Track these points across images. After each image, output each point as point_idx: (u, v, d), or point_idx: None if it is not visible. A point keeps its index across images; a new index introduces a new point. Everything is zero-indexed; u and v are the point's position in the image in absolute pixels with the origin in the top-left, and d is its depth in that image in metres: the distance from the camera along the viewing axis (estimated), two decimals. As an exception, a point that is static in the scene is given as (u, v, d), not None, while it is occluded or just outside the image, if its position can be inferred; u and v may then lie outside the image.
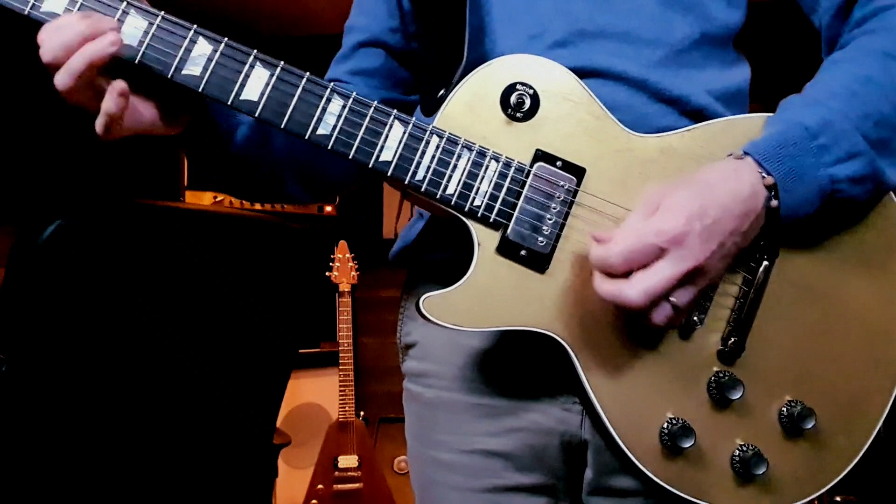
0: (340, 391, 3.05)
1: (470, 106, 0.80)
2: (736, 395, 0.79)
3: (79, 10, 0.75)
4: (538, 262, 0.79)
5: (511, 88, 0.80)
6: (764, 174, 0.76)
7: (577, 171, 0.80)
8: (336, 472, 2.99)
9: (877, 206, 0.85)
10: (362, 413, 3.16)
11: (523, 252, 0.79)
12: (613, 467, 0.87)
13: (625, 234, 0.73)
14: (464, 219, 0.80)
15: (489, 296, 0.79)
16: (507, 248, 0.79)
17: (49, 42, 0.72)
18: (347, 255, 3.18)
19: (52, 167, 3.21)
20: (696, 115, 0.87)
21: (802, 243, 0.83)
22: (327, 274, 3.13)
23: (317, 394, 3.29)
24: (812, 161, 0.76)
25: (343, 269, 3.15)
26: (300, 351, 2.94)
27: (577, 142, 0.81)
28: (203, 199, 3.08)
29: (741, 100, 0.94)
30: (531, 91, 0.80)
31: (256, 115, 0.77)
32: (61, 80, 0.73)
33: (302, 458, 3.13)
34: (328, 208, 3.44)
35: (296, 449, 3.02)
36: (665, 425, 0.79)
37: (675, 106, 0.87)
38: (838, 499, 2.62)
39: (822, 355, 0.83)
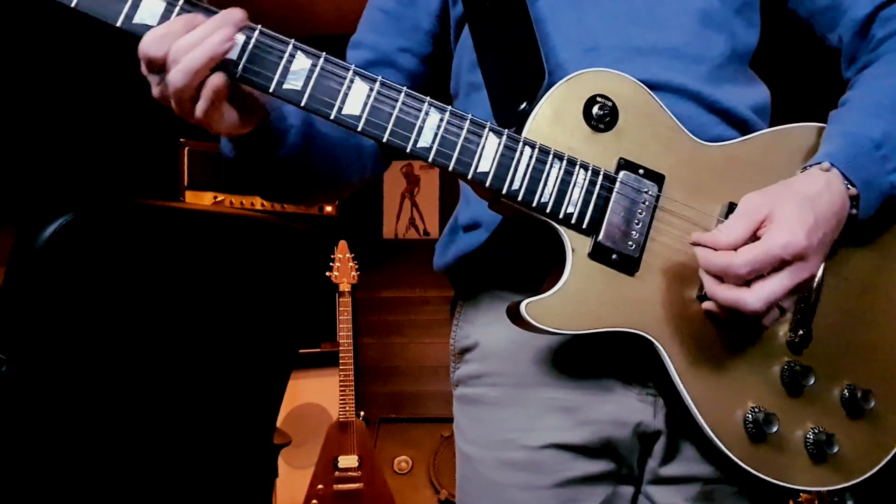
0: (340, 391, 3.05)
1: (554, 118, 0.85)
2: (810, 382, 0.86)
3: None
4: (628, 265, 0.84)
5: (592, 101, 0.84)
6: (848, 185, 0.82)
7: (658, 178, 0.86)
8: (336, 472, 2.99)
9: None
10: (362, 413, 3.17)
11: (614, 256, 0.84)
12: (683, 456, 0.91)
13: (737, 239, 0.77)
14: (557, 226, 0.83)
15: (584, 299, 0.83)
16: (599, 253, 0.83)
17: (160, 45, 0.71)
18: (347, 255, 3.17)
19: (52, 167, 3.21)
20: (742, 125, 0.93)
21: (852, 242, 0.89)
22: (327, 274, 3.12)
23: (317, 394, 3.29)
24: (877, 170, 0.84)
25: (343, 269, 3.15)
26: (300, 351, 2.94)
27: (653, 150, 0.86)
28: (203, 199, 3.07)
29: (767, 116, 0.99)
30: (610, 103, 0.85)
31: (359, 129, 0.78)
32: (177, 78, 0.71)
33: (302, 458, 3.13)
34: (328, 208, 3.44)
35: (296, 449, 3.02)
36: (749, 414, 0.85)
37: (725, 117, 0.92)
38: (837, 499, 2.62)
39: (871, 342, 0.91)
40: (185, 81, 0.71)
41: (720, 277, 0.79)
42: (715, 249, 0.79)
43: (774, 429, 0.84)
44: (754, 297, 0.76)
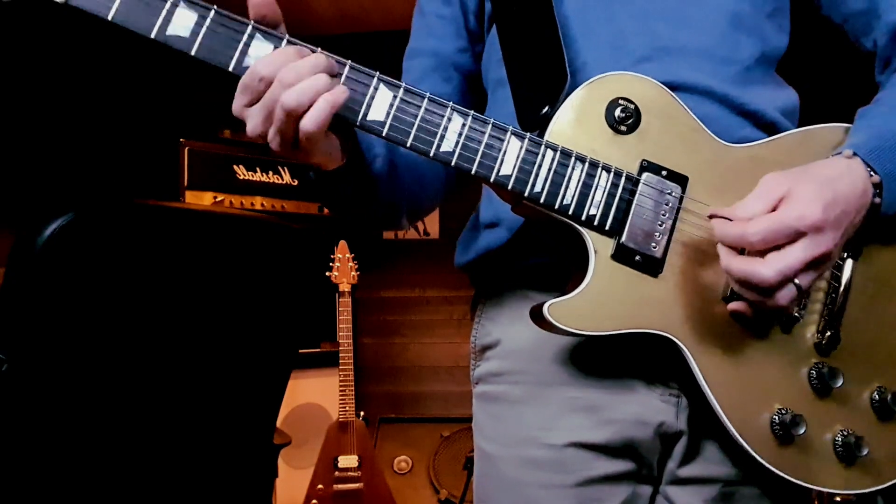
0: (340, 391, 3.05)
1: (576, 121, 0.85)
2: (838, 384, 0.85)
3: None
4: (652, 266, 0.84)
5: (614, 104, 0.85)
6: (871, 173, 0.82)
7: (681, 180, 0.86)
8: (336, 472, 2.99)
9: None
10: (362, 413, 3.16)
11: (638, 257, 0.84)
12: (703, 457, 0.91)
13: (754, 214, 0.76)
14: (580, 228, 0.84)
15: (607, 301, 0.83)
16: (622, 254, 0.84)
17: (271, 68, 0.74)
18: (347, 255, 3.17)
19: (51, 168, 3.21)
20: (769, 127, 0.93)
21: (881, 243, 0.89)
22: (327, 274, 3.12)
23: (317, 394, 3.29)
24: None
25: (343, 269, 3.15)
26: (300, 351, 2.93)
27: (676, 152, 0.87)
28: (203, 199, 3.07)
29: (796, 119, 0.99)
30: (633, 106, 0.85)
31: (383, 134, 0.79)
32: (308, 123, 0.74)
33: (302, 458, 3.13)
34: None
35: (296, 449, 3.02)
36: (776, 416, 0.84)
37: (752, 119, 0.92)
38: (838, 499, 2.62)
39: None
40: (297, 101, 0.72)
41: (735, 250, 0.78)
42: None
43: (802, 430, 0.83)
44: (767, 266, 0.75)
